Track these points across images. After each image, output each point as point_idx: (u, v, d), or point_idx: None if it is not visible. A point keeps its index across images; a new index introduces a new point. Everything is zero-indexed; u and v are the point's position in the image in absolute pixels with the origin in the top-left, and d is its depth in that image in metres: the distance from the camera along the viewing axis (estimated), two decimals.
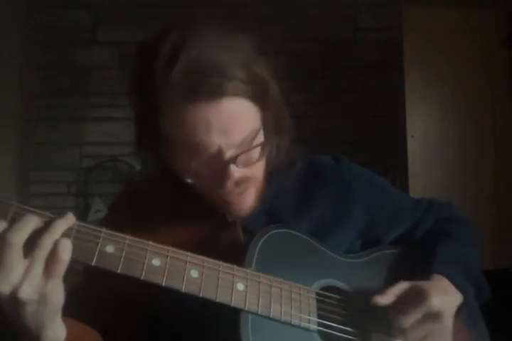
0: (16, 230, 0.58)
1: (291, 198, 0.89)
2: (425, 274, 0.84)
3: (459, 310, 0.82)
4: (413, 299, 0.77)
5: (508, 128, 2.60)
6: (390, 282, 0.85)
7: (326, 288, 0.81)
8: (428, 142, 2.56)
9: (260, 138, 0.77)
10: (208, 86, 0.69)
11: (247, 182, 0.78)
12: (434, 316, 0.77)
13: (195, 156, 0.74)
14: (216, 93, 0.70)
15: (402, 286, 0.80)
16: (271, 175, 0.86)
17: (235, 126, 0.72)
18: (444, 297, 0.79)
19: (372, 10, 2.87)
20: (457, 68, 2.56)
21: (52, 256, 0.59)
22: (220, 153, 0.73)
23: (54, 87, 2.82)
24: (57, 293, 0.61)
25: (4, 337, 0.66)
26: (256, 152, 0.77)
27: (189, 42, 0.71)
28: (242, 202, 0.80)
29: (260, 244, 0.78)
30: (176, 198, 0.86)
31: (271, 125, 0.80)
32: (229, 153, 0.73)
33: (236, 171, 0.74)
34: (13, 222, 0.59)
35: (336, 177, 0.92)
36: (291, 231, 0.83)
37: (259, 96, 0.75)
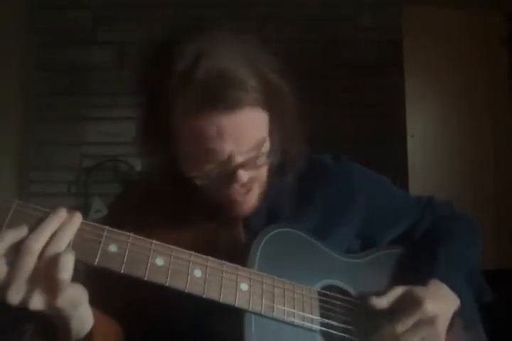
0: (36, 237, 0.56)
1: (292, 197, 0.89)
2: (425, 278, 0.84)
3: (457, 314, 0.83)
4: (408, 305, 0.78)
5: (508, 128, 2.60)
6: (391, 283, 0.85)
7: (328, 288, 0.81)
8: (428, 142, 2.56)
9: (267, 143, 0.79)
10: (225, 97, 0.71)
11: (253, 183, 0.80)
12: (428, 322, 0.78)
13: (206, 161, 0.75)
14: (233, 105, 0.72)
15: (398, 291, 0.81)
16: (272, 174, 0.86)
17: (247, 135, 0.74)
18: (439, 303, 0.80)
19: (372, 10, 2.87)
20: (457, 68, 2.56)
21: (50, 274, 0.56)
22: (230, 159, 0.75)
23: (54, 87, 2.81)
24: (70, 300, 0.59)
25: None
26: (263, 157, 0.78)
27: (211, 50, 0.73)
28: (246, 200, 0.82)
29: (263, 243, 0.78)
30: (176, 198, 0.86)
31: (278, 131, 0.82)
32: (239, 159, 0.75)
33: (244, 175, 0.76)
34: (31, 225, 0.57)
35: (337, 177, 0.93)
36: (293, 230, 0.83)
37: (271, 104, 0.77)
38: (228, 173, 0.76)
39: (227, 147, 0.73)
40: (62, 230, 0.58)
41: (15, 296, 0.55)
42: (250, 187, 0.80)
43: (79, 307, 0.62)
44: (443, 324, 0.80)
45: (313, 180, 0.92)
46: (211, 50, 0.73)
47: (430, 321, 0.77)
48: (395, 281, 0.86)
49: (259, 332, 0.70)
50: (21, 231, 0.57)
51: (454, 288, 0.84)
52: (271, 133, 0.80)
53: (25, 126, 2.74)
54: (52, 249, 0.57)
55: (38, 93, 2.81)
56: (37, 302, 0.56)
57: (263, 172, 0.83)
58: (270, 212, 0.86)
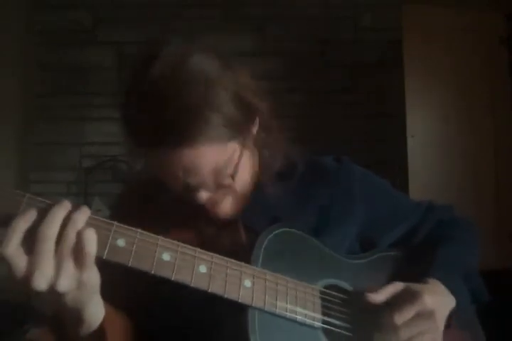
0: (49, 223, 0.59)
1: (293, 198, 0.89)
2: (422, 278, 0.85)
3: (453, 313, 0.83)
4: (407, 298, 0.78)
5: (508, 128, 2.60)
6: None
7: (329, 287, 0.82)
8: (428, 142, 2.56)
9: (233, 163, 0.78)
10: (168, 135, 0.70)
11: (222, 197, 0.81)
12: (426, 315, 0.78)
13: (167, 183, 0.78)
14: (178, 143, 0.71)
15: (396, 286, 0.81)
16: (272, 175, 0.87)
17: (199, 167, 0.74)
18: (437, 298, 0.80)
19: (372, 10, 2.87)
20: (457, 68, 2.56)
21: (79, 248, 0.59)
22: (186, 185, 0.76)
23: (54, 87, 2.82)
24: (93, 277, 0.62)
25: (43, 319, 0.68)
26: (227, 178, 0.78)
27: (173, 74, 0.71)
28: (218, 210, 0.82)
29: (266, 242, 0.79)
30: (178, 197, 0.86)
31: (252, 144, 0.83)
32: (196, 184, 0.76)
33: (204, 196, 0.78)
34: (41, 214, 0.59)
35: (338, 178, 0.93)
36: (295, 230, 0.84)
37: (236, 129, 0.76)
38: (190, 194, 0.78)
39: (180, 177, 0.75)
40: (73, 213, 0.61)
41: (41, 281, 0.57)
42: (219, 200, 0.81)
43: (95, 294, 0.64)
44: (441, 318, 0.80)
45: (314, 181, 0.92)
46: (173, 74, 0.70)
47: (429, 314, 0.78)
48: (394, 281, 0.86)
49: (263, 328, 0.71)
50: (31, 217, 0.59)
51: (450, 287, 0.84)
52: (243, 147, 0.80)
53: (25, 126, 2.74)
54: (72, 229, 0.59)
55: (38, 93, 2.82)
56: (65, 281, 0.58)
57: (238, 185, 0.82)
58: (270, 213, 0.86)
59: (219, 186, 0.79)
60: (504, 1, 2.63)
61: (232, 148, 0.77)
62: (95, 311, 0.66)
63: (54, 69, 2.83)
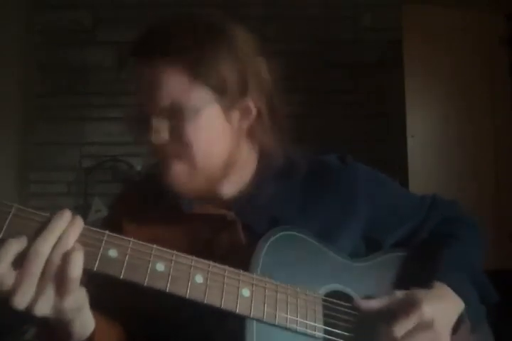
0: (44, 240, 0.56)
1: (295, 199, 0.88)
2: (428, 281, 0.83)
3: (462, 317, 0.81)
4: (406, 308, 0.77)
5: (508, 128, 2.60)
6: (395, 286, 0.84)
7: (332, 293, 0.80)
8: (428, 142, 2.56)
9: (196, 109, 0.76)
10: (148, 44, 0.77)
11: (171, 150, 0.77)
12: (426, 325, 0.76)
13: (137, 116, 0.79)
14: (153, 51, 0.75)
15: (396, 295, 0.79)
16: (273, 175, 0.86)
17: (159, 90, 0.75)
18: (439, 305, 0.78)
19: (372, 10, 2.86)
20: (457, 68, 2.56)
21: (62, 273, 0.57)
22: (144, 110, 0.76)
23: (54, 87, 2.81)
24: (77, 301, 0.60)
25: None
26: (185, 125, 0.76)
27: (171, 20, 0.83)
28: (168, 176, 0.78)
29: (266, 247, 0.76)
30: (175, 198, 0.86)
31: (242, 129, 0.82)
32: (150, 110, 0.76)
33: (158, 124, 0.75)
34: (37, 229, 0.57)
35: (342, 178, 0.90)
36: (298, 233, 0.81)
37: (219, 86, 0.76)
38: (145, 125, 0.76)
39: (142, 98, 0.76)
40: (67, 231, 0.58)
41: (22, 300, 0.55)
42: (170, 153, 0.77)
43: (82, 311, 0.63)
44: (443, 327, 0.78)
45: (318, 180, 0.90)
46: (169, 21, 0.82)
47: (429, 324, 0.76)
48: (399, 285, 0.85)
49: (261, 339, 0.69)
50: (24, 241, 0.57)
51: (457, 289, 0.82)
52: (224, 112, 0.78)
53: (25, 126, 2.74)
54: (61, 249, 0.57)
55: (38, 93, 2.81)
56: (42, 307, 0.57)
57: (191, 147, 0.77)
58: (271, 214, 0.84)
59: (172, 127, 0.76)
60: (504, 1, 2.63)
61: (203, 96, 0.76)
62: (84, 324, 0.65)
63: (54, 69, 2.82)
